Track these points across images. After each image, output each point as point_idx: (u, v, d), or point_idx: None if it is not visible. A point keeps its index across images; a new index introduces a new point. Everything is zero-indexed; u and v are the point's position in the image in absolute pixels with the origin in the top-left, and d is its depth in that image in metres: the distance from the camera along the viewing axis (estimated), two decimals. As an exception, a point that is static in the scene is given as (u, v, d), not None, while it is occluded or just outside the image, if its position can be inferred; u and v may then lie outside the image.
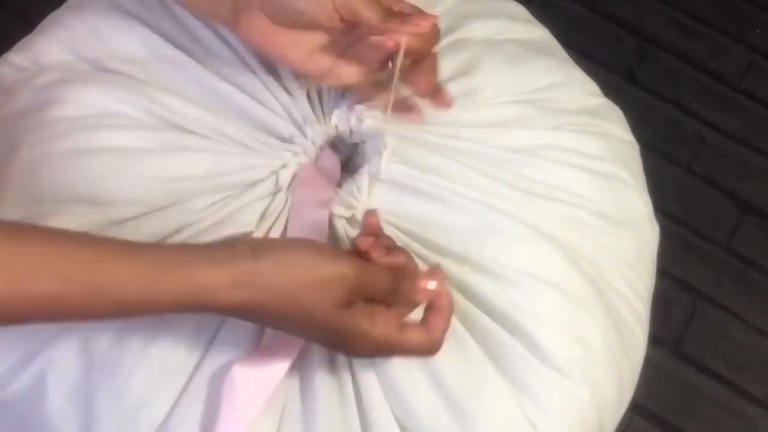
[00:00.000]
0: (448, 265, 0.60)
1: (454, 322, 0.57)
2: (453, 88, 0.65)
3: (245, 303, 0.47)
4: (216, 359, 0.55)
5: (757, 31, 1.43)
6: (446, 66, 0.67)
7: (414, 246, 0.61)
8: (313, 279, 0.48)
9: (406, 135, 0.64)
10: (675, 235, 1.25)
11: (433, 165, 0.63)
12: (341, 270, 0.49)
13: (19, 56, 0.68)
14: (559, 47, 0.78)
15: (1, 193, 0.59)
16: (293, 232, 0.61)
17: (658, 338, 1.16)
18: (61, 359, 0.55)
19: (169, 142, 0.62)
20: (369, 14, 0.55)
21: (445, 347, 0.54)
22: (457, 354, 0.57)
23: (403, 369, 0.57)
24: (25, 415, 0.56)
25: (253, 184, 0.62)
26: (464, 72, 0.68)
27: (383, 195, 0.63)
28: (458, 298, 0.59)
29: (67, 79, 0.64)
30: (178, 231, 0.58)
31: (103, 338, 0.55)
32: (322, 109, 0.67)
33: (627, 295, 0.65)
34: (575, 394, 0.59)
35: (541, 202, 0.63)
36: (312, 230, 0.61)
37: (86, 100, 0.62)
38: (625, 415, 0.68)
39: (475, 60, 0.68)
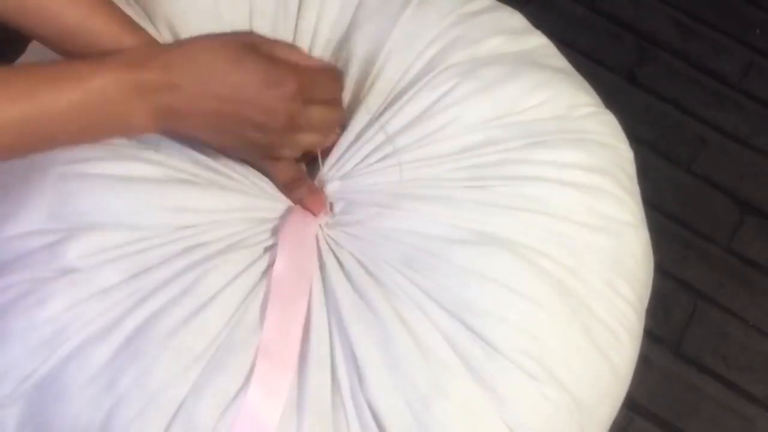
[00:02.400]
0: (401, 266, 0.63)
1: (418, 316, 0.60)
2: (423, 127, 0.68)
3: (163, 71, 0.57)
4: (236, 343, 0.58)
5: (757, 31, 1.43)
6: (421, 103, 0.69)
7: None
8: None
9: (363, 187, 0.68)
10: (675, 235, 1.25)
11: (385, 205, 0.66)
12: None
13: None
14: (556, 53, 0.78)
15: (27, 203, 0.61)
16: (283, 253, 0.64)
17: (658, 338, 1.17)
18: (84, 346, 0.57)
19: (188, 178, 0.64)
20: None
21: (405, 337, 0.59)
22: (421, 345, 0.59)
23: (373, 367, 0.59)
24: (39, 406, 0.57)
25: (269, 219, 0.66)
26: (436, 109, 0.68)
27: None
28: (418, 295, 0.62)
29: None
30: (195, 248, 0.62)
31: (128, 326, 0.58)
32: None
33: (608, 297, 0.65)
34: (535, 388, 0.60)
35: (503, 212, 0.65)
36: (302, 250, 0.64)
37: None
38: (625, 415, 0.68)
39: (450, 93, 0.69)
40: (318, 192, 0.67)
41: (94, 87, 0.55)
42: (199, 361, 0.57)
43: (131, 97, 0.56)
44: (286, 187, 0.67)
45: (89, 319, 0.57)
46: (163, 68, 0.57)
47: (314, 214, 0.66)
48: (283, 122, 0.60)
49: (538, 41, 0.77)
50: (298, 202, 0.67)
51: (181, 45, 0.60)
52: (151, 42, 0.62)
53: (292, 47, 0.66)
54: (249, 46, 0.60)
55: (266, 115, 0.59)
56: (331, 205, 0.68)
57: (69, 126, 0.55)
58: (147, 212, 0.61)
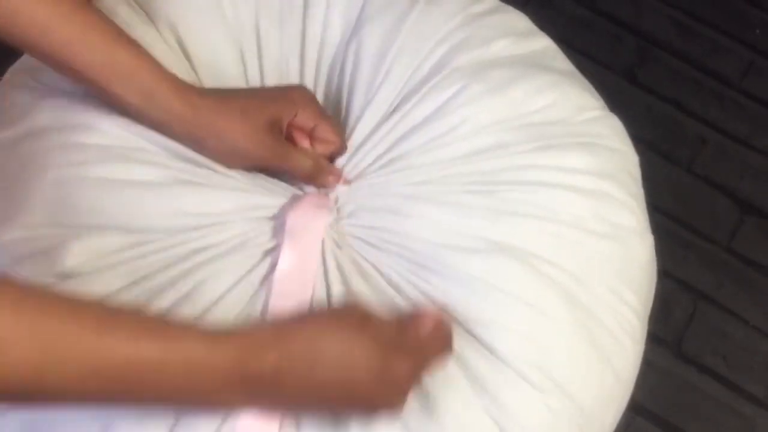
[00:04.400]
0: (406, 272, 0.63)
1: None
2: (432, 130, 0.68)
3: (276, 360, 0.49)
4: None
5: (757, 31, 1.43)
6: (429, 106, 0.69)
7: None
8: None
9: (371, 190, 0.67)
10: (675, 235, 1.25)
11: (392, 211, 0.65)
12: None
13: (29, 77, 0.68)
14: (560, 56, 0.78)
15: (25, 207, 0.61)
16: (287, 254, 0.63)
17: (658, 338, 1.16)
18: None
19: (188, 179, 0.64)
20: (301, 164, 0.66)
21: None
22: None
23: None
24: (37, 415, 0.57)
25: (270, 219, 0.65)
26: (445, 111, 0.68)
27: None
28: (418, 297, 0.62)
29: (90, 105, 0.65)
30: (196, 252, 0.61)
31: None
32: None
33: (613, 305, 0.65)
34: (540, 399, 0.60)
35: (511, 219, 0.65)
36: (306, 252, 0.63)
37: (114, 132, 0.64)
38: (625, 415, 0.68)
39: (457, 96, 0.69)
40: (336, 169, 0.68)
41: (198, 369, 0.47)
42: None
43: (234, 389, 0.49)
44: (310, 179, 0.67)
45: None
46: (277, 361, 0.49)
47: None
48: (396, 402, 0.54)
49: (544, 43, 0.77)
50: (322, 186, 0.67)
51: (301, 330, 0.52)
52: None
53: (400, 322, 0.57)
54: (359, 324, 0.53)
55: (377, 399, 0.54)
56: (339, 208, 0.67)
57: (153, 398, 0.49)
58: (146, 216, 0.61)
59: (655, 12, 1.43)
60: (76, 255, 0.58)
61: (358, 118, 0.69)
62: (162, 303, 0.58)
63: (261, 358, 0.49)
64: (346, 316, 0.53)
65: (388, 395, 0.53)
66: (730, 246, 1.26)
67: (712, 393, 1.16)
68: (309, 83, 0.73)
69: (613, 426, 0.67)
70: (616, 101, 0.78)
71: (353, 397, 0.53)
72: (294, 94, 0.67)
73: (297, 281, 0.61)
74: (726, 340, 1.19)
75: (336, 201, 0.67)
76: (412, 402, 0.57)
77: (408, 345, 0.54)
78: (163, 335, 0.47)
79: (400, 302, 0.61)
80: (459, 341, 0.60)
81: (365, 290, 0.62)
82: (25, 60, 0.71)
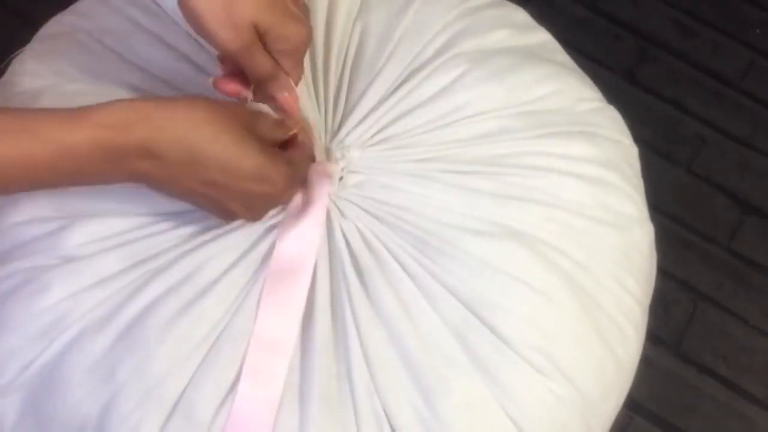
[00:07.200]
0: (412, 250, 0.63)
1: (424, 306, 0.60)
2: (436, 109, 0.68)
3: (145, 140, 0.52)
4: (236, 331, 0.58)
5: (757, 31, 1.43)
6: (433, 86, 0.69)
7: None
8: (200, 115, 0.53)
9: (376, 163, 0.67)
10: (675, 235, 1.25)
11: (398, 187, 0.65)
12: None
13: (36, 65, 0.68)
14: (560, 50, 0.78)
15: (30, 193, 0.60)
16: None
17: (658, 338, 1.16)
18: (84, 336, 0.57)
19: None
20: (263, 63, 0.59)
21: (414, 331, 0.59)
22: (426, 337, 0.59)
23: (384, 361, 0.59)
24: (38, 395, 0.57)
25: None
26: (449, 92, 0.69)
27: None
28: (428, 281, 0.62)
29: (97, 93, 0.65)
30: (201, 232, 0.62)
31: (127, 315, 0.58)
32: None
33: (616, 292, 0.66)
34: (542, 383, 0.60)
35: (518, 204, 0.65)
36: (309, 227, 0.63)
37: None
38: (624, 414, 0.68)
39: (461, 78, 0.69)
40: (293, 89, 0.61)
41: (69, 146, 0.50)
42: (198, 350, 0.57)
43: (107, 161, 0.52)
44: (262, 84, 0.60)
45: (89, 307, 0.57)
46: (146, 138, 0.52)
47: (289, 113, 0.61)
48: (261, 213, 0.60)
49: (543, 37, 0.78)
50: (272, 100, 0.61)
51: (166, 109, 0.53)
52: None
53: (275, 122, 0.60)
54: (237, 126, 0.55)
55: (246, 207, 0.58)
56: (344, 177, 0.66)
57: (33, 177, 0.51)
58: (145, 199, 0.61)
59: (655, 12, 1.43)
60: (77, 239, 0.59)
61: (363, 93, 0.69)
62: (161, 285, 0.58)
63: (132, 130, 0.51)
64: (231, 110, 0.55)
65: (258, 200, 0.57)
66: (730, 246, 1.26)
67: (712, 393, 1.15)
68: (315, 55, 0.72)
69: (614, 415, 0.67)
70: (615, 101, 0.79)
71: (227, 195, 0.56)
72: (293, 29, 0.59)
73: (298, 255, 0.61)
74: (726, 340, 1.19)
75: (342, 170, 0.67)
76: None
77: (286, 156, 0.58)
78: (25, 131, 0.50)
79: (403, 280, 0.61)
80: (463, 323, 0.60)
81: (370, 263, 0.62)
82: (32, 45, 0.72)
